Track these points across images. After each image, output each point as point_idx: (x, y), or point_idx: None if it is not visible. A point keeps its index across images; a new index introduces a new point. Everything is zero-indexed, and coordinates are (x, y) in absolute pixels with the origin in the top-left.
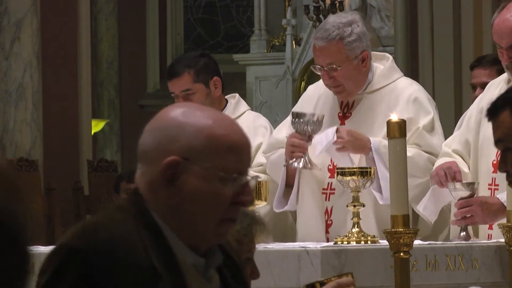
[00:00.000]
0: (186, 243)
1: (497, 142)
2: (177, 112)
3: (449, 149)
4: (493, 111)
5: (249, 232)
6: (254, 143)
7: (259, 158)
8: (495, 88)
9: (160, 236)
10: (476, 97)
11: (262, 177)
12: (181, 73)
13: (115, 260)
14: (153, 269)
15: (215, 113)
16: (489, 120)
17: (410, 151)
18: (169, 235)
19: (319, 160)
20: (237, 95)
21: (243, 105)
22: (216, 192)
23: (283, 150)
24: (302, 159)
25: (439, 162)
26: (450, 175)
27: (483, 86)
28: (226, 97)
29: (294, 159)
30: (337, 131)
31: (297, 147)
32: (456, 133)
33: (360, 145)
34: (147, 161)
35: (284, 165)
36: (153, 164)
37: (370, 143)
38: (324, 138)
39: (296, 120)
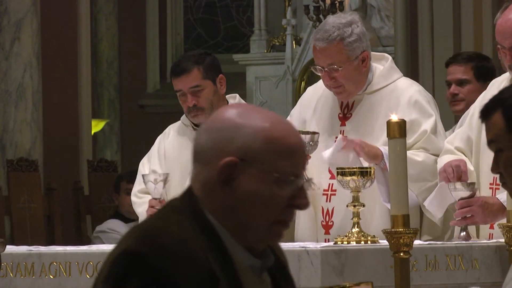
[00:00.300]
0: (241, 244)
1: (490, 143)
2: (233, 113)
3: (451, 146)
4: (485, 113)
5: None
6: None
7: None
8: (497, 87)
9: (216, 237)
10: (451, 93)
11: None
12: (190, 69)
13: (177, 264)
14: (212, 273)
15: (272, 115)
16: (482, 121)
17: (420, 155)
18: (224, 236)
19: (317, 178)
20: (237, 95)
21: None
22: (272, 194)
23: None
24: None
25: (445, 159)
26: (457, 173)
27: (458, 82)
28: (226, 96)
29: None
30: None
31: None
32: (458, 130)
33: (372, 152)
34: (202, 161)
35: None
36: (209, 165)
37: (381, 151)
38: (333, 147)
39: None
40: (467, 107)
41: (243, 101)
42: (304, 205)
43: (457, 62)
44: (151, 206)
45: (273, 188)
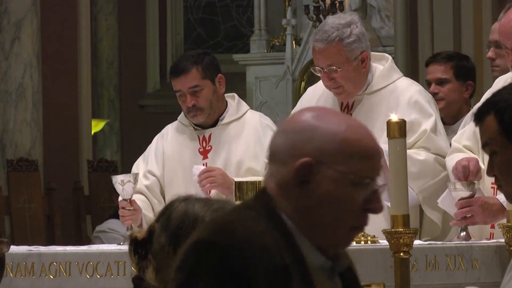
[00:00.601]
0: (314, 245)
1: (484, 146)
2: (310, 115)
3: (459, 144)
4: (479, 116)
5: None
6: (264, 143)
7: None
8: (502, 85)
9: (289, 234)
10: (431, 93)
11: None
12: (189, 69)
13: (251, 256)
14: (285, 267)
15: (348, 118)
16: (476, 125)
17: (421, 154)
18: (298, 236)
19: None
20: (235, 95)
21: (244, 105)
22: (347, 197)
23: None
24: None
25: (456, 157)
26: (464, 174)
27: (437, 82)
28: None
29: None
30: None
31: None
32: (465, 128)
33: None
34: (278, 161)
35: None
36: (285, 165)
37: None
38: None
39: None
40: (447, 106)
41: (242, 101)
42: (378, 209)
43: (437, 62)
44: (121, 207)
45: (349, 191)
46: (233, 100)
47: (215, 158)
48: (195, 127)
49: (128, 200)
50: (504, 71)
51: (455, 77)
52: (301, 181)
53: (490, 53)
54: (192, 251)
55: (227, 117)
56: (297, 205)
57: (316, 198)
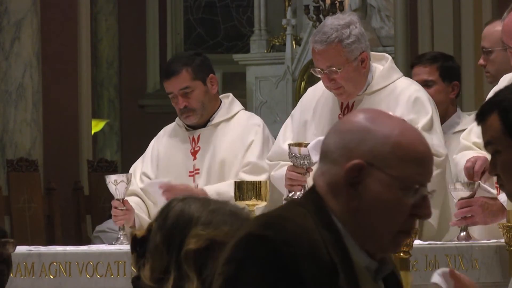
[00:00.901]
0: (360, 246)
1: (486, 145)
2: (364, 117)
3: (468, 142)
4: (481, 115)
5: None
6: (245, 141)
7: (249, 157)
8: (507, 83)
9: (337, 233)
10: None
11: (263, 177)
12: (179, 71)
13: (301, 251)
14: (333, 264)
15: (402, 122)
16: (478, 124)
17: None
18: (345, 235)
19: None
20: (230, 94)
21: (237, 105)
22: (397, 200)
23: (285, 169)
24: (301, 192)
25: (466, 154)
26: (468, 174)
27: (423, 83)
28: (219, 96)
29: (294, 192)
30: None
31: (295, 180)
32: (472, 125)
33: None
34: (329, 161)
35: (284, 199)
36: (336, 165)
37: None
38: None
39: (293, 154)
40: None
41: (236, 101)
42: (427, 215)
43: (422, 63)
44: (114, 207)
45: (398, 195)
46: (227, 100)
47: (202, 159)
48: (187, 128)
49: (121, 200)
50: (495, 77)
51: (441, 78)
52: (351, 183)
53: (480, 60)
54: (242, 245)
55: (217, 117)
56: (346, 206)
57: (365, 200)
